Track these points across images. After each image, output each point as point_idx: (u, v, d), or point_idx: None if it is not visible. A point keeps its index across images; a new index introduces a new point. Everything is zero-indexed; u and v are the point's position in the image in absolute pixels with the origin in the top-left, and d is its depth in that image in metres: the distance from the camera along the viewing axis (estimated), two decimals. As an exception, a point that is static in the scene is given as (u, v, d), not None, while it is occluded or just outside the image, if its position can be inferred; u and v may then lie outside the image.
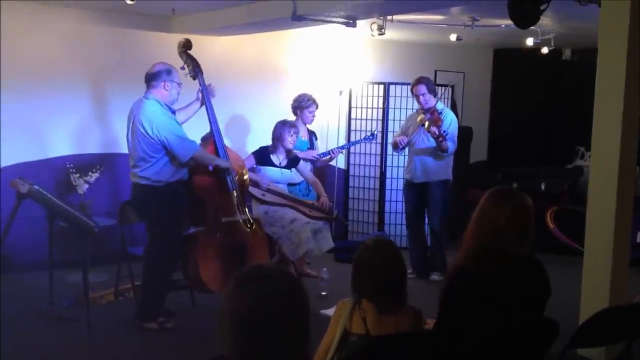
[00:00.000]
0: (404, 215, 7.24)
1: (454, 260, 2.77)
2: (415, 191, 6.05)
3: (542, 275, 2.73)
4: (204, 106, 4.84)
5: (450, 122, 5.86)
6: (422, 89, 5.83)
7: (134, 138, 4.43)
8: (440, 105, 5.97)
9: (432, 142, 5.80)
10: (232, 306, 1.59)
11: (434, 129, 5.63)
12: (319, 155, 6.34)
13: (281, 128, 5.67)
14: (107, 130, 6.30)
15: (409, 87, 7.20)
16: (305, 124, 6.21)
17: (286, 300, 1.60)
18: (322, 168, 6.94)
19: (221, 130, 4.98)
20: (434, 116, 5.74)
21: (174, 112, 4.58)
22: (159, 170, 4.44)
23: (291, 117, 6.11)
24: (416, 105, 7.11)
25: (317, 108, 6.19)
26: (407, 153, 6.29)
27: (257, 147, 5.90)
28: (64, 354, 4.20)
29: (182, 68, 4.80)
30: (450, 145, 5.77)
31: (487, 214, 2.68)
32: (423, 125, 5.76)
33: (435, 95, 5.94)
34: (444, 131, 5.67)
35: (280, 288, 1.61)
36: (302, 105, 6.15)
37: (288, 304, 1.60)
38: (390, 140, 7.23)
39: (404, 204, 6.43)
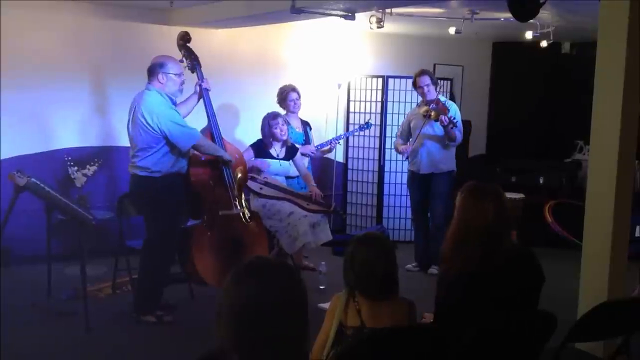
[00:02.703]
0: (402, 209, 7.29)
1: (444, 260, 2.78)
2: (421, 183, 6.00)
3: (534, 263, 2.75)
4: (202, 99, 4.86)
5: (455, 111, 5.85)
6: (427, 79, 5.82)
7: (135, 129, 4.43)
8: (442, 98, 5.98)
9: (438, 131, 5.78)
10: (231, 298, 1.59)
11: (443, 117, 5.61)
12: (317, 146, 6.33)
13: (265, 126, 5.67)
14: (105, 123, 6.29)
15: (409, 80, 7.25)
16: (294, 113, 6.18)
17: (285, 293, 1.60)
18: (320, 161, 6.94)
19: (219, 122, 4.97)
20: (439, 106, 5.71)
21: (175, 104, 4.58)
22: (158, 160, 4.44)
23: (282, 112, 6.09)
24: (414, 98, 7.16)
25: (298, 95, 6.14)
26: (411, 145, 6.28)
27: (253, 140, 5.89)
28: (62, 347, 4.19)
29: (181, 61, 4.81)
30: (458, 135, 5.77)
31: (474, 213, 2.70)
32: (429, 116, 5.74)
33: (436, 87, 5.94)
34: (453, 117, 5.66)
35: (279, 280, 1.61)
36: (282, 96, 6.14)
37: (287, 296, 1.60)
38: (388, 133, 7.25)
39: (409, 197, 6.36)
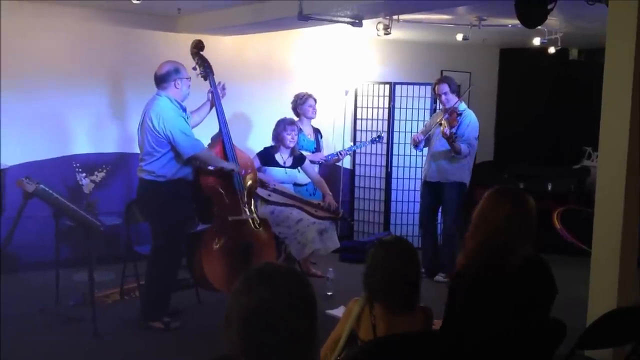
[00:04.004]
0: (409, 215, 7.28)
1: (458, 263, 2.74)
2: (430, 190, 6.01)
3: (547, 274, 2.71)
4: (214, 107, 4.91)
5: (468, 123, 5.82)
6: (445, 87, 5.83)
7: (143, 132, 4.51)
8: (462, 106, 5.93)
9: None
10: (240, 304, 1.59)
11: (445, 129, 5.60)
12: (327, 157, 6.33)
13: (279, 127, 5.70)
14: (114, 130, 6.31)
15: (416, 86, 7.26)
16: (309, 120, 6.20)
17: (295, 300, 1.60)
18: (328, 168, 6.94)
19: (230, 130, 4.99)
20: (452, 117, 5.72)
21: (184, 109, 4.63)
22: (164, 165, 4.49)
23: (295, 118, 6.10)
24: (422, 105, 7.19)
25: (315, 102, 6.17)
26: (424, 153, 6.30)
27: (261, 147, 5.92)
28: (70, 353, 4.20)
29: (194, 68, 4.89)
30: (464, 148, 5.72)
31: (487, 214, 2.64)
32: (440, 124, 5.74)
33: (458, 94, 5.91)
34: (455, 133, 5.64)
35: (289, 286, 1.61)
36: (299, 102, 6.15)
37: (297, 303, 1.60)
38: (396, 140, 7.26)
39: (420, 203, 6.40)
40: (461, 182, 5.91)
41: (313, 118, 6.21)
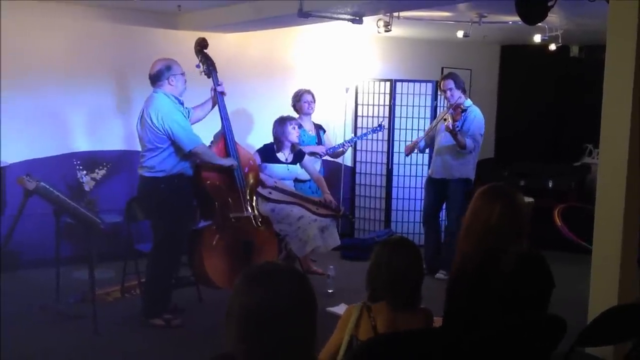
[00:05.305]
0: (410, 212, 7.28)
1: (454, 265, 2.74)
2: (435, 187, 6.03)
3: (543, 268, 2.70)
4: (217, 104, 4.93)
5: (473, 119, 5.84)
6: (450, 83, 5.85)
7: (143, 130, 4.53)
8: (468, 102, 5.95)
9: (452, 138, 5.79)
10: (241, 303, 1.59)
11: (448, 123, 5.62)
12: (329, 149, 6.32)
13: (282, 124, 5.69)
14: (114, 127, 6.31)
15: (417, 83, 7.26)
16: (308, 116, 6.19)
17: (295, 298, 1.60)
18: (329, 165, 6.93)
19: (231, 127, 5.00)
20: (456, 111, 5.77)
21: (182, 103, 4.65)
22: (163, 160, 4.51)
23: (295, 116, 6.09)
24: (422, 102, 7.20)
25: (313, 98, 6.17)
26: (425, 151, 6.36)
27: (262, 144, 5.91)
28: (70, 350, 4.20)
29: (198, 66, 4.92)
30: (469, 142, 5.74)
31: (479, 213, 2.65)
32: (445, 120, 5.76)
33: (464, 91, 5.93)
34: (457, 127, 5.66)
35: (290, 285, 1.61)
36: (297, 98, 6.16)
37: (296, 301, 1.60)
38: (397, 137, 7.27)
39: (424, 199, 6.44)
40: (466, 178, 5.93)
41: (310, 114, 6.21)
